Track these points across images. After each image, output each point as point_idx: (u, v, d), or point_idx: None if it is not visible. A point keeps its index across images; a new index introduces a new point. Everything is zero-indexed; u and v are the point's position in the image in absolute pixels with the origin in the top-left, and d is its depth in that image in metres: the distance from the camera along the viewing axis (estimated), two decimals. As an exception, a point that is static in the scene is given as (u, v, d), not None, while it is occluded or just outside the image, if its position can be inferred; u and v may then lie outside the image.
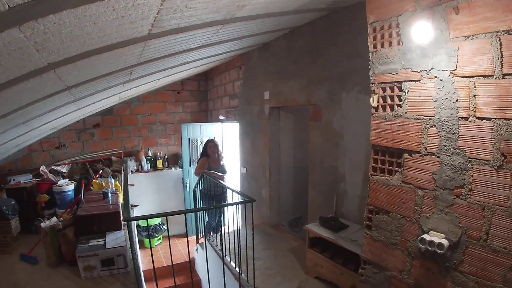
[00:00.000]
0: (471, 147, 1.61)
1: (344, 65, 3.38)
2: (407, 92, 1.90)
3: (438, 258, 1.79)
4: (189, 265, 3.38)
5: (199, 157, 5.59)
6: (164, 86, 6.77)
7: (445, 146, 1.72)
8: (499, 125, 1.50)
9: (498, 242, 1.55)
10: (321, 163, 3.83)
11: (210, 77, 7.06)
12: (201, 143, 6.57)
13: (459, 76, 1.63)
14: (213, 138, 5.55)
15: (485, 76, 1.54)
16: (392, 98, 2.00)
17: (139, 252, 5.84)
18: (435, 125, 1.77)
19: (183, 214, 3.23)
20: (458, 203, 1.69)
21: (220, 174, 5.24)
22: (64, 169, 6.20)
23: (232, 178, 6.42)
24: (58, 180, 5.43)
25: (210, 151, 5.34)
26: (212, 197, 5.34)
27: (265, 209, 5.06)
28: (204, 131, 6.49)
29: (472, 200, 1.63)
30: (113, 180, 5.54)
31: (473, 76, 1.58)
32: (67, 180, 5.58)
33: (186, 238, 6.33)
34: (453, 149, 1.69)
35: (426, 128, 1.81)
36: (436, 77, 1.73)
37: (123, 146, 6.78)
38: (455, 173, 1.68)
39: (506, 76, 1.46)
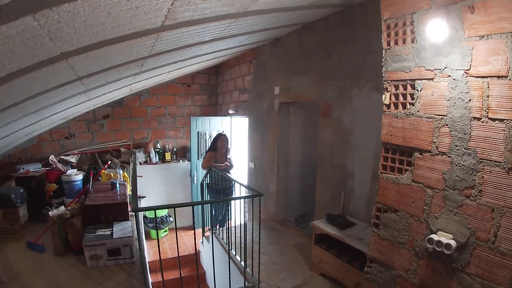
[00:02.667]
0: (483, 148, 1.61)
1: (357, 62, 3.37)
2: (420, 90, 1.89)
3: (445, 258, 1.79)
4: (195, 257, 3.40)
5: (206, 151, 5.61)
6: (174, 79, 6.79)
7: (456, 146, 1.72)
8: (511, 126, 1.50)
9: (506, 245, 1.54)
10: (330, 159, 3.83)
11: (220, 71, 7.07)
12: (210, 136, 6.59)
13: (473, 76, 1.62)
14: (223, 133, 5.56)
15: (499, 77, 1.53)
16: (404, 96, 2.00)
17: (145, 243, 5.91)
18: (447, 125, 1.76)
19: (190, 207, 3.24)
20: (467, 204, 1.69)
21: (226, 164, 5.27)
22: (73, 159, 6.25)
23: (239, 172, 6.46)
24: (67, 170, 5.50)
25: (221, 144, 5.35)
26: (219, 191, 5.37)
27: (272, 204, 5.07)
28: (213, 125, 6.52)
29: (481, 201, 1.63)
30: (121, 171, 5.59)
31: (487, 77, 1.57)
32: (76, 170, 5.64)
33: (191, 231, 6.37)
34: (465, 149, 1.68)
35: (438, 127, 1.81)
36: (449, 76, 1.72)
37: (132, 138, 6.83)
38: (466, 174, 1.68)
39: (521, 78, 1.45)
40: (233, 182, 5.60)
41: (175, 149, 6.98)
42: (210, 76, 7.24)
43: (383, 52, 2.12)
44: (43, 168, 5.49)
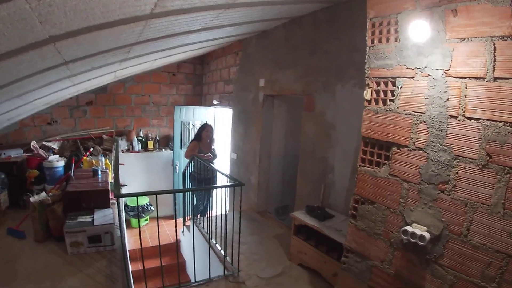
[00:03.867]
0: (458, 145, 1.67)
1: (342, 58, 3.41)
2: (400, 88, 1.94)
3: (419, 250, 1.86)
4: (176, 246, 3.41)
5: (191, 140, 5.60)
6: (159, 67, 6.72)
7: (433, 142, 1.78)
8: (487, 126, 1.56)
9: (478, 238, 1.61)
10: (312, 153, 3.88)
11: (206, 61, 7.01)
12: (193, 126, 6.57)
13: (452, 76, 1.68)
14: (208, 123, 5.55)
15: (477, 78, 1.59)
16: (385, 92, 2.05)
17: (125, 231, 5.87)
18: (424, 122, 1.82)
19: (172, 195, 3.26)
20: (442, 198, 1.75)
21: (208, 155, 5.28)
22: (55, 146, 6.16)
23: (222, 163, 6.47)
24: (49, 156, 5.42)
25: (205, 135, 5.35)
26: (202, 180, 5.38)
27: (253, 195, 5.11)
28: (197, 115, 6.49)
29: (455, 196, 1.69)
30: (103, 158, 5.54)
31: (465, 77, 1.63)
32: (58, 156, 5.56)
33: (172, 220, 6.41)
34: (441, 145, 1.74)
35: (416, 123, 1.87)
36: (429, 75, 1.78)
37: (115, 125, 6.74)
38: (441, 169, 1.74)
39: (497, 80, 1.51)
40: (216, 172, 5.63)
41: (158, 138, 6.92)
42: (196, 65, 7.18)
43: (367, 49, 2.16)
44: (24, 154, 5.41)
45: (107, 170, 5.42)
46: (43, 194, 3.76)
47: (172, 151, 6.66)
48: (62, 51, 2.26)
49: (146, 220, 6.47)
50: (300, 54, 3.99)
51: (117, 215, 3.83)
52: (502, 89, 1.50)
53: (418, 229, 1.82)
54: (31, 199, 3.50)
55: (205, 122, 5.54)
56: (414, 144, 1.89)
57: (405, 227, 1.87)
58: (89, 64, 3.36)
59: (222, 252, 3.64)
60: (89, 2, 1.52)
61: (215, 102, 6.35)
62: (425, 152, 1.82)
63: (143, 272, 3.19)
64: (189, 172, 5.47)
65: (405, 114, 1.93)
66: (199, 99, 7.33)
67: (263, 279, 3.27)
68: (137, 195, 3.25)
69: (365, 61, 2.18)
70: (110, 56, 3.31)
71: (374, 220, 2.16)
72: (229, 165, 5.87)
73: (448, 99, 1.70)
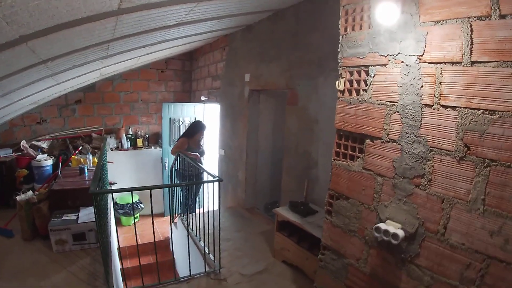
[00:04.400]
0: (433, 136, 1.51)
1: (323, 50, 3.24)
2: (373, 76, 1.79)
3: (394, 248, 1.70)
4: (154, 246, 3.26)
5: (180, 136, 5.42)
6: (147, 64, 6.55)
7: (407, 133, 1.62)
8: (464, 114, 1.40)
9: (456, 237, 1.47)
10: (295, 148, 3.73)
11: (195, 57, 6.83)
12: (182, 123, 6.41)
13: (426, 62, 1.52)
14: (204, 124, 5.39)
15: (452, 63, 1.43)
16: (358, 82, 1.89)
17: (114, 229, 5.72)
18: (398, 112, 1.66)
19: (162, 195, 3.11)
20: (417, 193, 1.60)
21: (196, 154, 5.10)
22: (44, 145, 6.06)
23: (211, 159, 6.34)
24: (37, 155, 5.32)
25: (199, 135, 5.16)
26: (188, 177, 5.22)
27: (241, 192, 4.96)
28: (186, 112, 6.31)
29: (431, 191, 1.54)
30: (91, 157, 5.41)
31: (440, 63, 1.47)
32: (46, 155, 5.48)
33: (162, 218, 6.27)
34: (415, 137, 1.59)
35: (389, 114, 1.71)
36: (402, 62, 1.62)
37: (104, 124, 6.57)
38: (415, 162, 1.59)
39: (475, 64, 1.35)
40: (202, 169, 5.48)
41: (147, 135, 6.75)
42: (185, 62, 6.99)
43: (340, 38, 2.00)
44: (13, 154, 5.32)
45: (95, 169, 5.26)
46: (30, 192, 3.60)
47: (161, 149, 6.49)
48: (36, 50, 2.22)
49: (136, 218, 6.31)
50: (283, 48, 3.83)
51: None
52: (480, 73, 1.34)
53: (392, 226, 1.66)
54: (18, 198, 3.40)
55: (199, 120, 5.34)
56: (387, 136, 1.73)
57: (378, 224, 1.72)
58: (69, 62, 3.25)
59: (206, 249, 3.49)
60: (50, 1, 1.48)
61: (202, 98, 6.18)
62: (399, 144, 1.67)
63: (123, 270, 3.08)
64: (176, 169, 5.31)
65: (378, 104, 1.77)
66: (188, 95, 7.15)
67: (245, 276, 3.13)
68: (112, 191, 3.21)
69: (338, 50, 2.02)
70: (89, 53, 3.21)
71: (349, 217, 2.01)
72: (218, 162, 5.70)
73: (422, 87, 1.54)
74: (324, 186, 3.34)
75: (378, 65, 1.75)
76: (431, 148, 1.53)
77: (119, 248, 5.35)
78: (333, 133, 3.15)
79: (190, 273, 3.13)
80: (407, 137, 1.62)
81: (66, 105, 6.24)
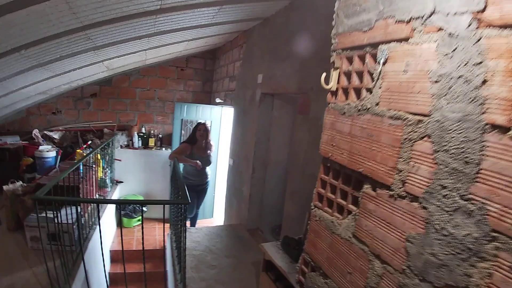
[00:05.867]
0: (506, 205, 0.63)
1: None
2: (384, 63, 0.92)
3: None
4: (143, 254, 2.59)
5: (182, 141, 4.78)
6: (167, 61, 5.96)
7: (444, 187, 0.75)
8: None
9: None
10: (302, 168, 2.89)
11: (217, 56, 6.13)
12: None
13: (493, 26, 0.67)
14: (204, 122, 4.71)
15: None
16: (360, 75, 1.04)
17: (114, 231, 5.22)
18: (429, 136, 0.79)
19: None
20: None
21: (196, 162, 4.42)
22: (56, 135, 5.73)
23: (221, 169, 5.68)
24: (39, 146, 5.01)
25: (199, 135, 4.51)
26: (192, 187, 4.56)
27: (244, 210, 4.18)
28: (201, 114, 5.61)
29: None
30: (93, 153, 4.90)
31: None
32: (50, 146, 5.22)
33: (167, 224, 5.69)
34: (461, 199, 0.71)
35: (410, 139, 0.84)
36: (441, 29, 0.76)
37: (118, 119, 6.04)
38: (455, 257, 0.70)
39: None
40: (208, 179, 4.79)
41: (160, 136, 6.10)
42: (207, 61, 6.30)
43: (336, 3, 1.19)
44: (20, 141, 5.15)
45: (94, 166, 4.80)
46: (18, 183, 3.48)
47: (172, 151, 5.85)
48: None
49: (138, 220, 5.72)
50: (297, 41, 3.03)
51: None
52: None
53: None
54: (5, 187, 3.32)
55: (199, 122, 4.67)
56: (402, 186, 0.86)
57: None
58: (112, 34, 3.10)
59: (178, 276, 2.79)
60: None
61: (217, 100, 5.48)
62: (424, 207, 0.79)
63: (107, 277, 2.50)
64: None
65: (391, 117, 0.91)
66: (208, 96, 6.44)
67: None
68: (55, 200, 2.75)
69: (332, 24, 1.21)
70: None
71: (327, 306, 1.15)
72: (227, 172, 4.96)
73: (484, 83, 0.68)
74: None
75: (393, 40, 0.90)
76: (496, 234, 0.65)
77: (111, 251, 4.83)
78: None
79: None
80: (444, 197, 0.74)
81: (81, 98, 5.81)
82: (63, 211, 3.14)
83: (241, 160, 4.35)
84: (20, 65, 3.01)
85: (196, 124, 4.65)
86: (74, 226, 3.14)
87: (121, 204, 3.35)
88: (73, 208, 3.33)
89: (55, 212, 3.20)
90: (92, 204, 4.44)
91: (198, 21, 3.34)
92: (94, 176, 4.74)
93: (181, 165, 4.69)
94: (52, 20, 2.29)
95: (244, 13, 3.46)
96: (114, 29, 2.93)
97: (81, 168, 4.34)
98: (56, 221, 2.79)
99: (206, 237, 3.89)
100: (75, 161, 4.50)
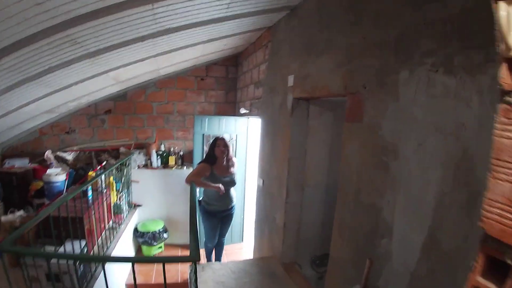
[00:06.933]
0: None
1: (404, 20, 1.65)
2: None
3: None
4: None
5: (199, 162, 4.08)
6: (185, 70, 5.33)
7: None
8: None
9: None
10: (355, 194, 2.10)
11: (239, 62, 5.44)
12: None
13: None
14: (223, 136, 4.02)
15: None
16: None
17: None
18: None
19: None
20: None
21: (218, 186, 3.71)
22: (69, 156, 5.27)
23: (250, 190, 5.00)
24: (47, 169, 4.55)
25: (219, 152, 3.81)
26: (214, 213, 3.86)
27: (278, 241, 3.40)
28: (224, 127, 4.91)
29: None
30: (103, 176, 4.35)
31: None
32: (59, 169, 4.76)
33: (188, 251, 5.03)
34: None
35: None
36: None
37: (136, 137, 5.47)
38: None
39: None
40: (233, 203, 4.05)
41: (181, 153, 5.45)
42: (229, 68, 5.63)
43: None
44: (29, 164, 4.88)
45: (105, 191, 4.24)
46: (20, 213, 3.29)
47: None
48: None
49: (159, 247, 5.05)
50: (336, 29, 2.27)
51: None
52: None
53: None
54: (3, 218, 3.13)
55: (216, 137, 3.97)
56: None
57: None
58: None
59: None
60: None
61: (242, 110, 4.76)
62: None
63: None
64: (198, 200, 4.01)
65: None
66: (233, 107, 5.76)
67: None
68: (44, 255, 2.28)
69: None
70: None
71: None
72: (256, 194, 4.19)
73: None
74: (400, 274, 1.68)
75: None
76: None
77: (127, 285, 4.25)
78: (429, 178, 1.53)
79: None
80: None
81: (95, 115, 5.31)
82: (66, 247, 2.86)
83: (271, 181, 3.59)
84: (3, 80, 2.62)
85: (213, 139, 3.95)
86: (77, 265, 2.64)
87: (82, 261, 2.86)
88: (78, 243, 3.01)
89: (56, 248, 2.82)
90: (104, 233, 3.85)
91: (209, 13, 2.65)
92: (105, 201, 4.19)
93: (201, 189, 4.03)
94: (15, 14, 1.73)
95: (265, 0, 2.74)
96: (103, 26, 2.30)
97: (90, 194, 3.91)
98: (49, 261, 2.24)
99: (232, 275, 3.16)
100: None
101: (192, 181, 3.42)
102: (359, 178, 2.04)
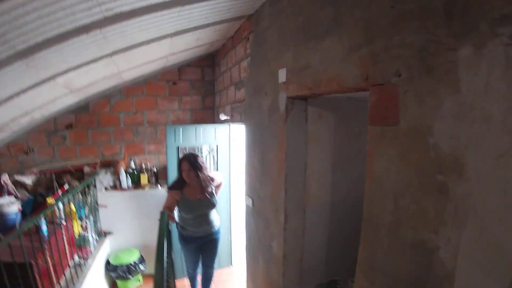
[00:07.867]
0: None
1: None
2: None
3: None
4: None
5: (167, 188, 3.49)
6: (154, 74, 4.64)
7: None
8: None
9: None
10: (393, 228, 1.46)
11: (217, 62, 4.78)
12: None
13: None
14: (191, 153, 3.41)
15: None
16: None
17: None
18: None
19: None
20: None
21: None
22: (29, 180, 4.50)
23: (238, 211, 4.45)
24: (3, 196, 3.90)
25: (185, 176, 3.21)
26: (190, 239, 3.27)
27: (276, 273, 2.76)
28: (202, 137, 4.23)
29: None
30: (61, 205, 3.70)
31: None
32: (13, 197, 4.09)
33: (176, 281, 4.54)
34: None
35: None
36: None
37: (101, 154, 4.74)
38: None
39: None
40: (215, 228, 3.44)
41: (155, 170, 4.74)
42: (205, 69, 4.96)
43: None
44: None
45: (63, 223, 3.58)
46: None
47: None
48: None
49: (137, 280, 4.34)
50: (347, 1, 1.68)
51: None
52: None
53: None
54: None
55: (184, 154, 3.35)
56: None
57: None
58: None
59: None
60: None
61: (222, 117, 4.11)
62: None
63: None
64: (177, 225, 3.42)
65: None
66: (211, 113, 5.09)
67: None
68: None
69: None
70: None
71: None
72: (245, 215, 3.53)
73: None
74: None
75: None
76: None
77: None
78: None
79: None
80: None
81: (55, 131, 4.58)
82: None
83: (264, 201, 2.96)
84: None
85: (179, 159, 3.36)
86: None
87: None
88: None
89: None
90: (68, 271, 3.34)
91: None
92: (65, 235, 3.53)
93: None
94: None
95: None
96: (22, 12, 1.61)
97: (45, 230, 3.32)
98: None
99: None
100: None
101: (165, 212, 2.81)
102: (397, 206, 1.43)
